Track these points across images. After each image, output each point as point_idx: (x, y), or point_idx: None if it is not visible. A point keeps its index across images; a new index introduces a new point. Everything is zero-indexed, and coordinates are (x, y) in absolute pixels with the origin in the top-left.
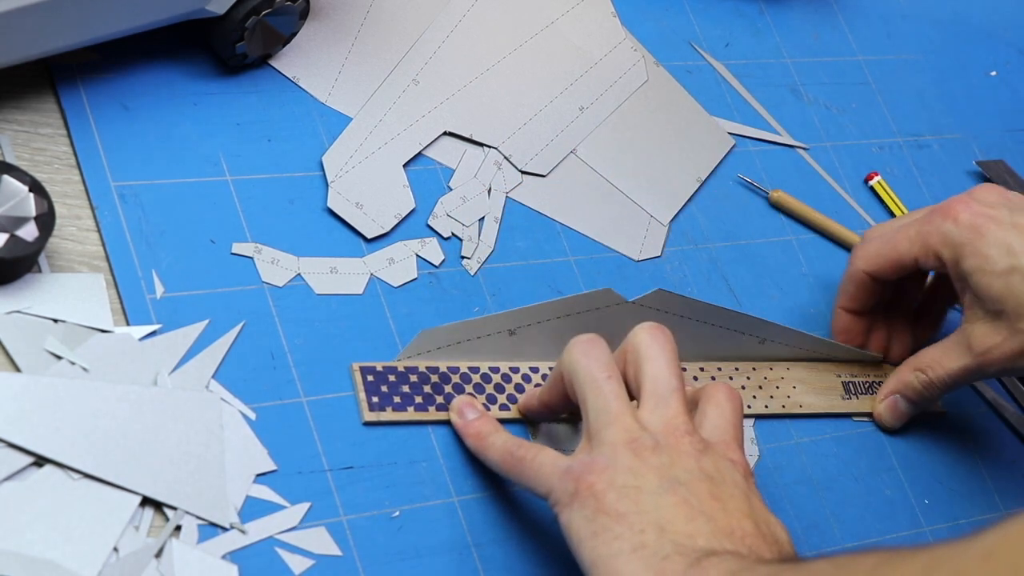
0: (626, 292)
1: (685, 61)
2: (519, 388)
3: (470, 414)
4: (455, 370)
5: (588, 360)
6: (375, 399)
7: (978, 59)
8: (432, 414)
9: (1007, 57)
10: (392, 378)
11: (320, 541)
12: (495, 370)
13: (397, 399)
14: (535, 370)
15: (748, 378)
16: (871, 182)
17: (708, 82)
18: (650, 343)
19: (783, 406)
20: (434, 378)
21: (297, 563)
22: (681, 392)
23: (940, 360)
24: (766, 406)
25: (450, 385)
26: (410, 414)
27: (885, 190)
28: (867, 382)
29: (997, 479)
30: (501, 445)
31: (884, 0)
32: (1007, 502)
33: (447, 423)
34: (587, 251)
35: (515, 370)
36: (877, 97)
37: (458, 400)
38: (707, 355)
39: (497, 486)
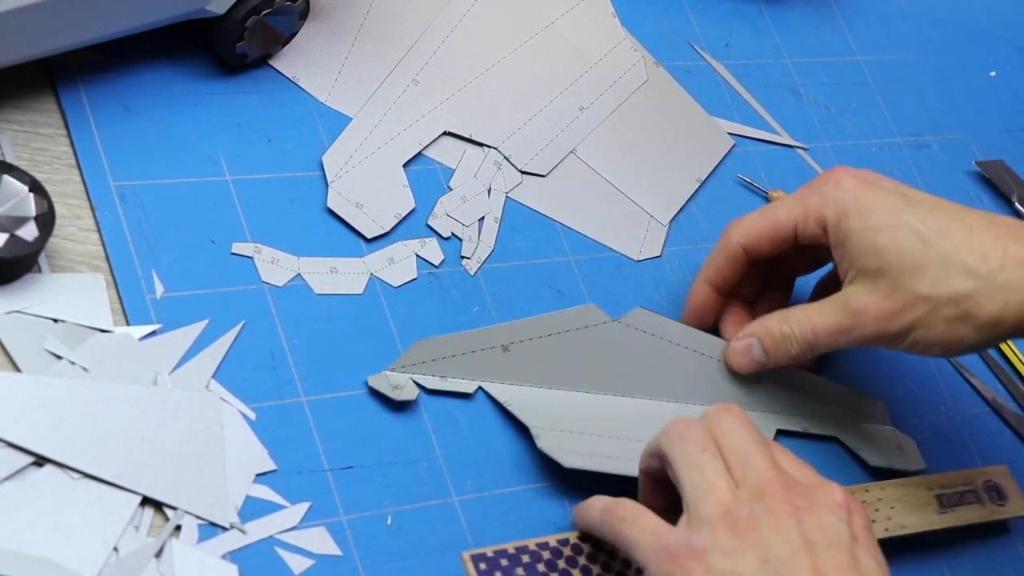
0: (626, 292)
1: (685, 61)
2: (626, 563)
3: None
4: (565, 543)
5: (683, 442)
6: None
7: (978, 59)
8: None
9: (1007, 57)
10: (504, 562)
11: (320, 541)
12: (599, 546)
13: None
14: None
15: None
16: None
17: (708, 82)
18: (721, 420)
19: (886, 529)
20: (546, 555)
21: (297, 563)
22: (763, 447)
23: (810, 315)
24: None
25: (563, 560)
26: None
27: None
28: (958, 493)
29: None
30: (601, 505)
31: (884, 0)
32: None
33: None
34: (587, 251)
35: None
36: (877, 97)
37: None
38: (684, 382)
39: (497, 486)
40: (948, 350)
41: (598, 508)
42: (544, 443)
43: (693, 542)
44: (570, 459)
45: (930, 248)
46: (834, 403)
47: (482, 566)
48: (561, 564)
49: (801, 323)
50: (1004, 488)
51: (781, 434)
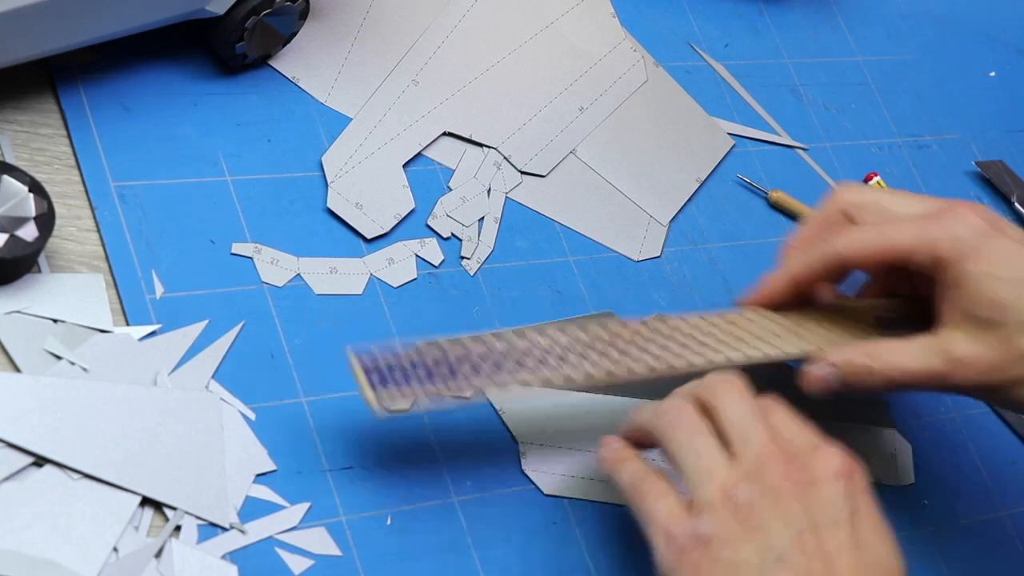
0: (625, 292)
1: (685, 61)
2: (527, 352)
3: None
4: (455, 342)
5: (675, 429)
6: (378, 382)
7: (978, 59)
8: (440, 388)
9: (1006, 58)
10: (390, 359)
11: (320, 541)
12: (498, 335)
13: (400, 377)
14: (541, 333)
15: (775, 323)
16: (871, 182)
17: (707, 82)
18: (716, 390)
19: (817, 347)
20: (437, 353)
21: (297, 563)
22: (759, 416)
23: (899, 355)
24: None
25: (449, 360)
26: (415, 390)
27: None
28: (902, 316)
29: (997, 479)
30: (631, 472)
31: (884, 0)
32: (1007, 502)
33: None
34: (587, 251)
35: (520, 334)
36: (876, 97)
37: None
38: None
39: (497, 486)
40: None
41: (628, 475)
42: (528, 464)
43: (698, 531)
44: (551, 486)
45: None
46: (835, 403)
47: (368, 367)
48: (452, 358)
49: (888, 362)
50: None
51: None
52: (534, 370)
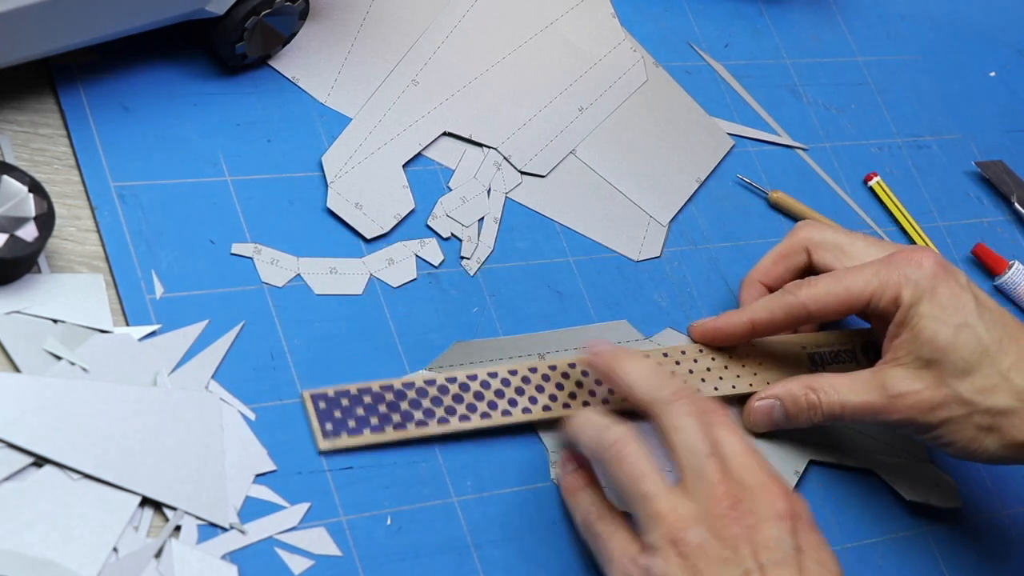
0: (625, 293)
1: (684, 62)
2: (479, 396)
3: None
4: (410, 385)
5: (622, 468)
6: (329, 426)
7: (977, 60)
8: (389, 434)
9: (1006, 58)
10: (345, 402)
11: (320, 541)
12: (452, 380)
13: (352, 423)
14: (494, 375)
15: (713, 359)
16: (870, 183)
17: (707, 83)
18: (673, 412)
19: (750, 384)
20: (389, 396)
21: (297, 563)
22: (715, 455)
23: (840, 388)
24: (733, 386)
25: (406, 402)
26: (366, 437)
27: (884, 190)
28: (833, 352)
29: (997, 479)
30: (585, 508)
31: (884, 0)
32: (1007, 502)
33: (408, 442)
34: (586, 251)
35: (472, 378)
36: (876, 98)
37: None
38: None
39: (497, 486)
40: (966, 455)
41: (580, 512)
42: (556, 474)
43: (652, 571)
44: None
45: (986, 357)
46: (870, 437)
47: (321, 404)
48: (404, 405)
49: (829, 395)
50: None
51: (814, 464)
52: (483, 412)
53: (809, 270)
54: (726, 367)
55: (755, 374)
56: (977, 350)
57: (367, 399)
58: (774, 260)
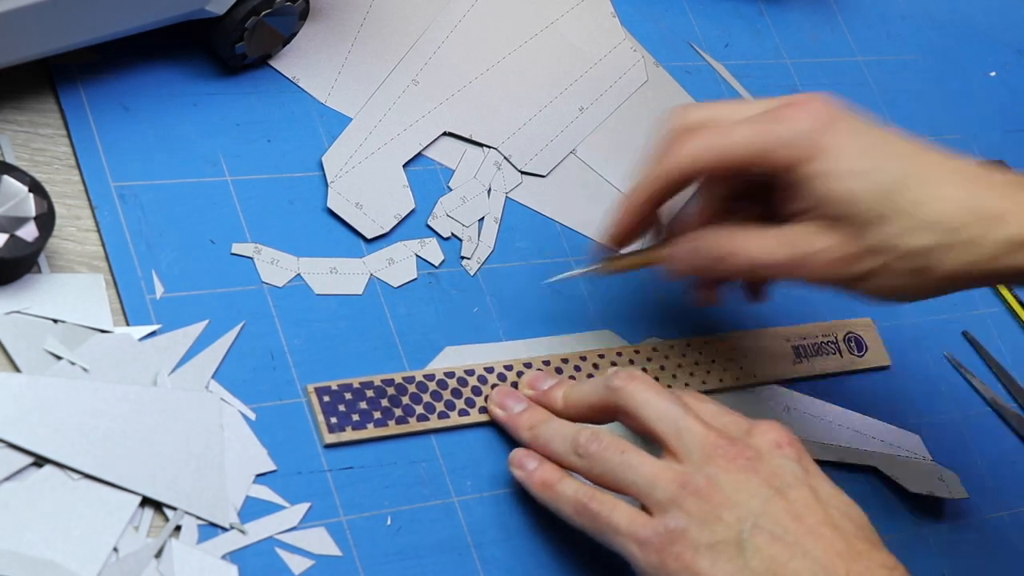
0: (625, 293)
1: (685, 61)
2: (476, 390)
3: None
4: (411, 380)
5: (603, 451)
6: (334, 420)
7: (977, 59)
8: (392, 428)
9: (1006, 58)
10: (348, 396)
11: (320, 541)
12: (450, 375)
13: (356, 417)
14: (490, 370)
15: (700, 353)
16: None
17: (708, 82)
18: (633, 392)
19: (737, 378)
20: (390, 390)
21: (297, 563)
22: (684, 408)
23: (749, 246)
24: (720, 380)
25: (407, 396)
26: (370, 431)
27: None
28: (816, 344)
29: (997, 479)
30: (572, 495)
31: (884, 0)
32: (1007, 502)
33: (408, 435)
34: (587, 251)
35: (470, 372)
36: (877, 97)
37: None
38: None
39: (497, 486)
40: (903, 298)
41: (569, 500)
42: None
43: (669, 527)
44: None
45: (896, 199)
46: (868, 435)
47: (325, 398)
48: (405, 400)
49: (738, 253)
50: (864, 340)
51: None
52: (481, 407)
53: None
54: (713, 361)
55: (741, 368)
56: (880, 194)
57: (369, 393)
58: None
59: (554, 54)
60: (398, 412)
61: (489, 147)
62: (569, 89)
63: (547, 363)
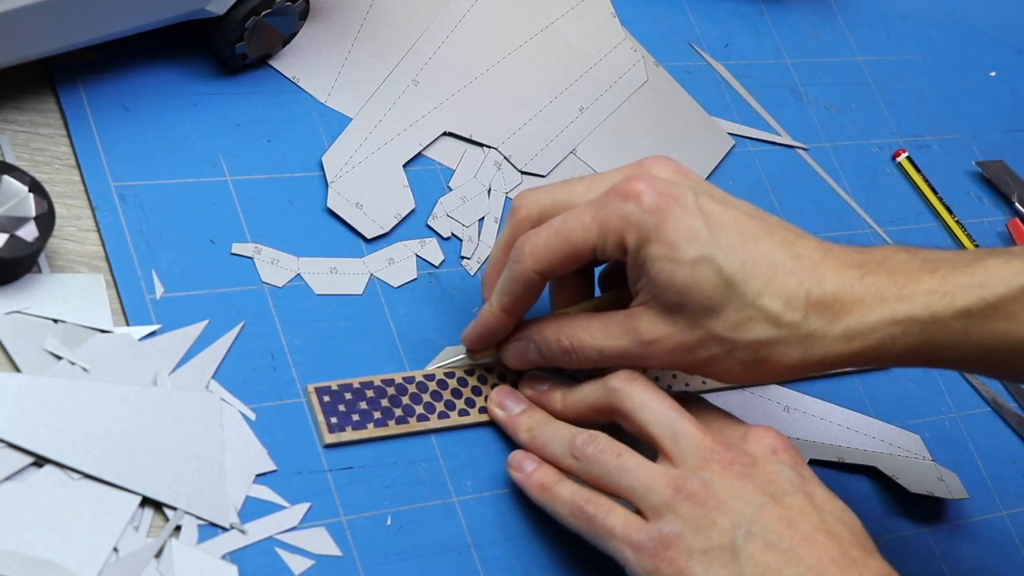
0: None
1: (685, 61)
2: (476, 391)
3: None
4: (410, 380)
5: (599, 461)
6: (334, 420)
7: (977, 59)
8: (392, 428)
9: (1006, 58)
10: (348, 396)
11: (320, 541)
12: (451, 375)
13: (356, 417)
14: (490, 370)
15: None
16: (899, 159)
17: (708, 82)
18: (631, 394)
19: (703, 382)
20: (390, 390)
21: (297, 563)
22: (687, 417)
23: (595, 334)
24: (687, 384)
25: (407, 396)
26: (370, 431)
27: (915, 168)
28: None
29: (997, 479)
30: (569, 498)
31: (884, 0)
32: (1008, 502)
33: (408, 435)
34: None
35: (471, 372)
36: (877, 97)
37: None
38: None
39: (497, 486)
40: (746, 384)
41: (565, 502)
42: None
43: (664, 531)
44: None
45: (732, 290)
46: (868, 435)
47: (325, 398)
48: (405, 400)
49: (584, 343)
50: None
51: (814, 464)
52: (481, 407)
53: None
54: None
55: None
56: (720, 284)
57: (369, 393)
58: (504, 249)
59: (554, 54)
60: (398, 412)
61: (489, 147)
62: (569, 89)
63: None
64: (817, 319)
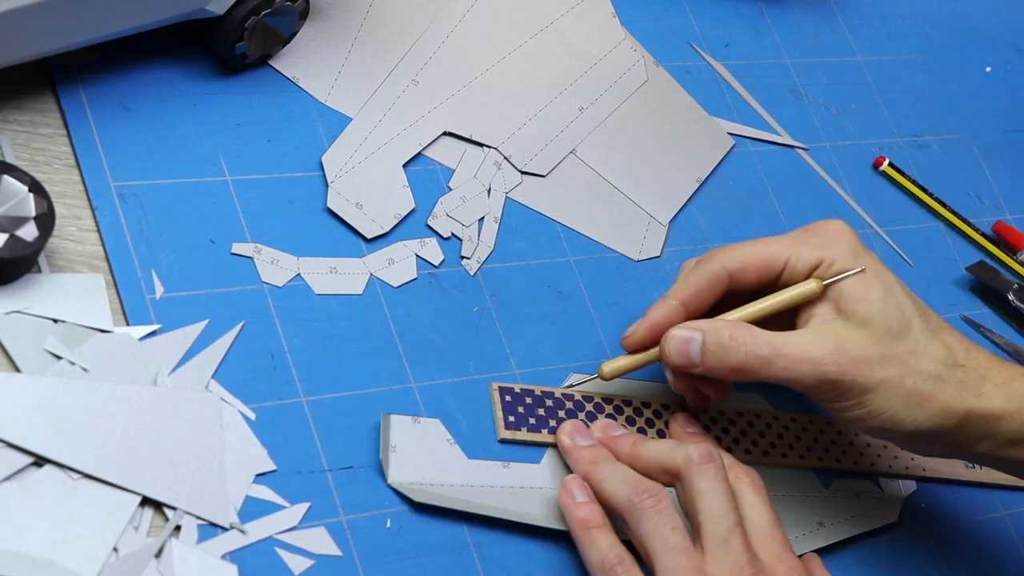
0: (625, 292)
1: (685, 61)
2: (650, 422)
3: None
4: (589, 399)
5: (651, 522)
6: (511, 418)
7: (977, 59)
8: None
9: (1006, 57)
10: (528, 400)
11: (320, 541)
12: (627, 403)
13: (532, 420)
14: (647, 404)
15: (803, 430)
16: (881, 167)
17: (708, 82)
18: (701, 475)
19: (820, 459)
20: (569, 404)
21: (297, 563)
22: (740, 528)
23: (773, 337)
24: (838, 460)
25: (583, 413)
26: (543, 436)
27: (899, 172)
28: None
29: (997, 480)
30: (603, 549)
31: (884, 0)
32: (1007, 502)
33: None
34: (587, 251)
35: (647, 404)
36: (877, 97)
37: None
38: None
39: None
40: (886, 426)
41: (596, 554)
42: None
43: None
44: (421, 496)
45: (914, 322)
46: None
47: (507, 398)
48: (581, 416)
49: (757, 337)
50: None
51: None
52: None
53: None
54: (814, 438)
55: (826, 451)
56: (903, 316)
57: (549, 402)
58: (697, 285)
59: (554, 54)
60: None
61: (489, 147)
62: (569, 89)
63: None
64: (972, 373)
